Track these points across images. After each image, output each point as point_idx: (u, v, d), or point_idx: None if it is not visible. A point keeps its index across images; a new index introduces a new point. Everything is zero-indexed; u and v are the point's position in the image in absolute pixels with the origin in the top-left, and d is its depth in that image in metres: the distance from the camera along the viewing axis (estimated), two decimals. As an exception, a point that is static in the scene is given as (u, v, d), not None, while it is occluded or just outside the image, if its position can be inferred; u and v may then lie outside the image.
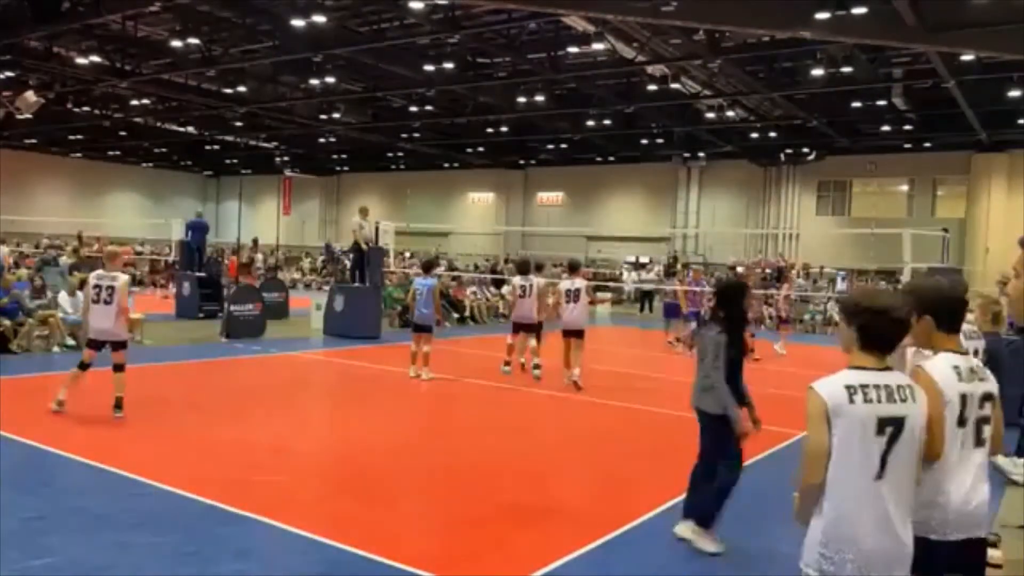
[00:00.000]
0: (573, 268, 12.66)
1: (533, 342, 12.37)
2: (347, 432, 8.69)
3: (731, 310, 5.50)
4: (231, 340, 14.93)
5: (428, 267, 12.67)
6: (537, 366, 12.26)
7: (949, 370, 2.92)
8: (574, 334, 11.81)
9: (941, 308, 3.05)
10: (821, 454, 2.64)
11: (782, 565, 5.29)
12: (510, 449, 8.11)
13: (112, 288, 8.30)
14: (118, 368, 8.43)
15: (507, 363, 12.45)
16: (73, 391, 8.43)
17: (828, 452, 2.62)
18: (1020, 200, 27.65)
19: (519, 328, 12.57)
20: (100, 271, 8.63)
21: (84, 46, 22.33)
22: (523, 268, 13.35)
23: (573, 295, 11.85)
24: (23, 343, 12.51)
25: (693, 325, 16.64)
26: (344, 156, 42.69)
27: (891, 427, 2.62)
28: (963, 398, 2.92)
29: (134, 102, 29.00)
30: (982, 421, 2.96)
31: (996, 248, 26.84)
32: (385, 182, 44.81)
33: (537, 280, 12.90)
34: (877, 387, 2.64)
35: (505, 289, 20.78)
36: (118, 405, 8.33)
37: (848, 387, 2.63)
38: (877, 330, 2.69)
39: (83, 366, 8.43)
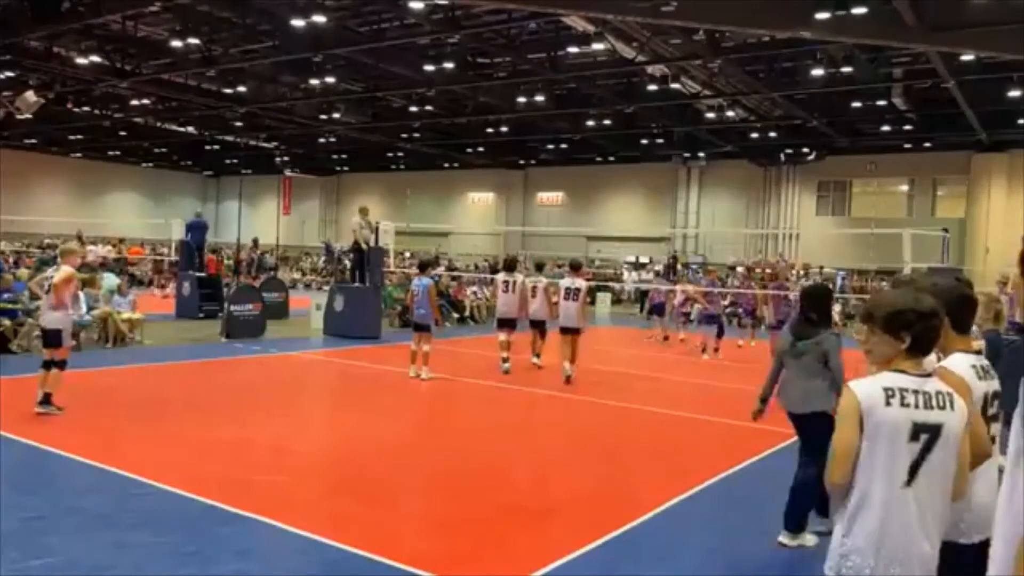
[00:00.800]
0: (574, 267, 13.14)
1: (501, 336, 12.82)
2: (347, 432, 8.68)
3: (822, 313, 5.63)
4: (231, 340, 14.92)
5: (424, 267, 12.75)
6: (505, 359, 12.62)
7: (970, 369, 2.91)
8: (571, 331, 12.12)
9: (958, 308, 3.02)
10: (848, 453, 2.57)
11: (785, 565, 5.30)
12: (510, 449, 8.12)
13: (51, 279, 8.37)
14: (56, 364, 8.30)
15: (505, 360, 12.70)
16: (63, 391, 8.41)
17: (855, 452, 2.56)
18: (1020, 200, 27.65)
19: (503, 324, 12.98)
20: (56, 267, 8.66)
21: (84, 46, 22.34)
22: (508, 265, 13.89)
23: (572, 294, 12.23)
24: (23, 343, 12.50)
25: (715, 329, 16.10)
26: (344, 156, 42.70)
27: (927, 435, 2.54)
28: (984, 397, 2.91)
29: (134, 102, 29.01)
30: (992, 419, 2.95)
31: (996, 248, 26.85)
32: (385, 182, 44.81)
33: (521, 277, 13.41)
34: (916, 392, 2.56)
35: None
36: (43, 400, 8.22)
37: (886, 389, 2.56)
38: (930, 335, 2.62)
39: (46, 365, 8.35)
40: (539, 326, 13.33)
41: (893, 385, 2.57)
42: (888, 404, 2.54)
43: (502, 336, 12.81)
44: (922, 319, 2.60)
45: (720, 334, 16.32)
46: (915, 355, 2.63)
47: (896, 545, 2.53)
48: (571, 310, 12.13)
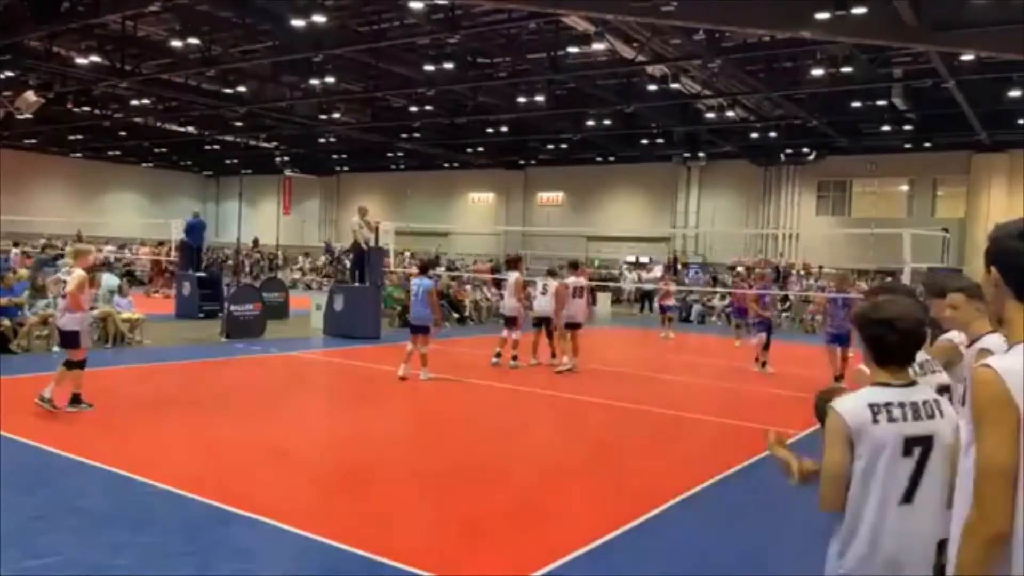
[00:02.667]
0: (573, 267, 13.91)
1: (515, 335, 13.25)
2: (347, 432, 8.68)
3: None
4: (231, 340, 14.92)
5: (425, 268, 12.84)
6: (513, 357, 13.15)
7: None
8: (574, 326, 12.94)
9: None
10: (839, 477, 2.48)
11: (783, 564, 5.30)
12: (510, 449, 8.11)
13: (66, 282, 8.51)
14: (75, 365, 8.39)
15: (507, 355, 13.19)
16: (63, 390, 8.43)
17: (847, 476, 2.47)
18: (1020, 200, 27.64)
19: (505, 321, 13.67)
20: (68, 268, 8.77)
21: (84, 46, 22.36)
22: (508, 264, 14.55)
23: (577, 292, 13.06)
24: (23, 343, 12.51)
25: (763, 336, 13.94)
26: (344, 156, 42.73)
27: (919, 447, 2.46)
28: None
29: (134, 102, 29.03)
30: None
31: (996, 248, 26.73)
32: (385, 182, 44.82)
33: (515, 275, 14.01)
34: (902, 405, 2.48)
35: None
36: (72, 400, 8.35)
37: (872, 406, 2.47)
38: (887, 343, 2.54)
39: (68, 364, 8.46)
40: (544, 323, 13.63)
41: (878, 400, 2.49)
42: (876, 422, 2.45)
43: (504, 333, 13.46)
44: (870, 326, 2.55)
45: (767, 345, 13.92)
46: (889, 365, 2.56)
47: (894, 565, 2.47)
48: (575, 307, 12.91)
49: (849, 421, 2.47)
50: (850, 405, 2.51)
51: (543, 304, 13.47)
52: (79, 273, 8.50)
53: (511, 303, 13.55)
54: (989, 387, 1.98)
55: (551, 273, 14.77)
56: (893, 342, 2.54)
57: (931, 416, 2.52)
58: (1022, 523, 1.98)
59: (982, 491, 1.99)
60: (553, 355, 13.57)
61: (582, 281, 13.23)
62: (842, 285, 13.93)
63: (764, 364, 13.76)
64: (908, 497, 2.48)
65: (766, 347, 13.80)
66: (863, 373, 2.82)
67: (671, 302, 20.29)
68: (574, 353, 12.86)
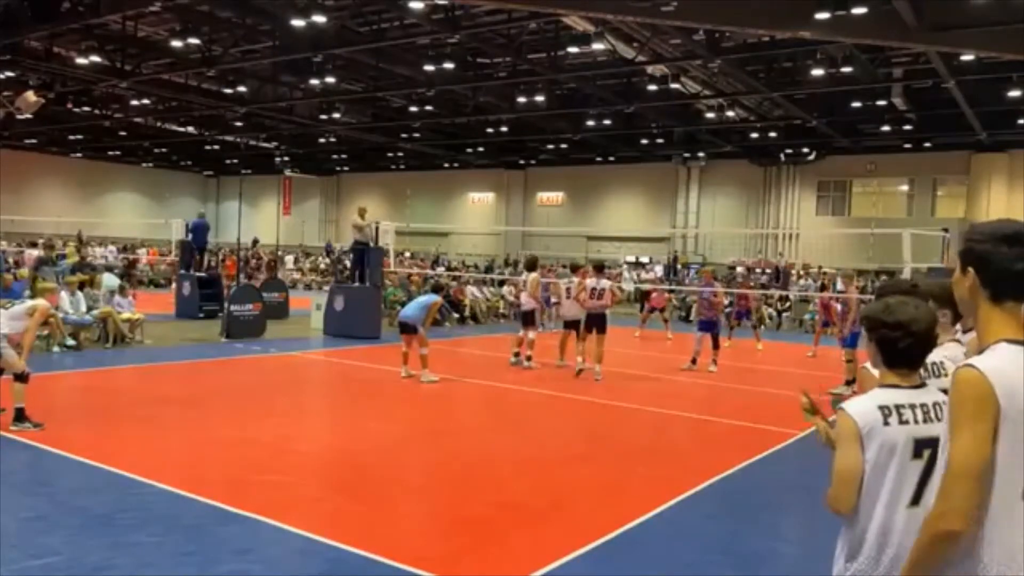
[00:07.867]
0: (574, 269, 14.18)
1: (528, 334, 13.35)
2: (347, 432, 8.68)
3: None
4: (231, 340, 14.92)
5: (438, 289, 12.91)
6: (528, 357, 13.18)
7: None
8: (575, 324, 13.14)
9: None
10: (853, 479, 2.46)
11: (782, 565, 5.30)
12: (510, 449, 8.11)
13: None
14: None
15: (516, 354, 13.40)
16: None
17: (860, 476, 2.45)
18: (1020, 200, 27.66)
19: (523, 319, 13.80)
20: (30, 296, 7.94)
21: (84, 46, 22.36)
22: (528, 265, 14.79)
23: (571, 290, 13.12)
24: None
25: (706, 336, 13.71)
26: (344, 156, 42.73)
27: (929, 450, 2.44)
28: None
29: (134, 102, 29.04)
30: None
31: (996, 248, 26.71)
32: (385, 182, 44.83)
33: (534, 275, 14.11)
34: (913, 406, 2.47)
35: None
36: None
37: (882, 408, 2.46)
38: (901, 346, 2.52)
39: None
40: (574, 326, 13.39)
41: (889, 402, 2.48)
42: (887, 424, 2.45)
43: (521, 332, 13.59)
44: (881, 328, 2.54)
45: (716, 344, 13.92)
46: (900, 367, 2.55)
47: (901, 567, 2.42)
48: (575, 307, 12.91)
49: (860, 423, 2.46)
50: (861, 407, 2.50)
51: (571, 306, 13.23)
52: (44, 305, 7.88)
53: (530, 301, 13.68)
54: (974, 386, 2.00)
55: (572, 270, 14.71)
56: (907, 345, 2.53)
57: (940, 418, 2.50)
58: (997, 523, 2.01)
59: (949, 488, 2.02)
60: (527, 357, 13.34)
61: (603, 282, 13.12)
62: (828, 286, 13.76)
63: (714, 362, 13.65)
64: (916, 499, 2.46)
65: (716, 347, 13.84)
66: (869, 373, 2.82)
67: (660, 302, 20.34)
68: (585, 356, 12.62)
